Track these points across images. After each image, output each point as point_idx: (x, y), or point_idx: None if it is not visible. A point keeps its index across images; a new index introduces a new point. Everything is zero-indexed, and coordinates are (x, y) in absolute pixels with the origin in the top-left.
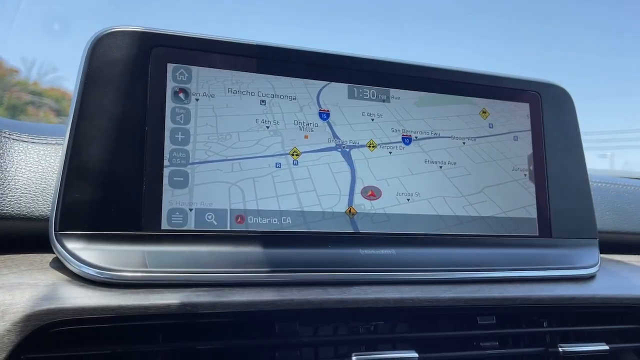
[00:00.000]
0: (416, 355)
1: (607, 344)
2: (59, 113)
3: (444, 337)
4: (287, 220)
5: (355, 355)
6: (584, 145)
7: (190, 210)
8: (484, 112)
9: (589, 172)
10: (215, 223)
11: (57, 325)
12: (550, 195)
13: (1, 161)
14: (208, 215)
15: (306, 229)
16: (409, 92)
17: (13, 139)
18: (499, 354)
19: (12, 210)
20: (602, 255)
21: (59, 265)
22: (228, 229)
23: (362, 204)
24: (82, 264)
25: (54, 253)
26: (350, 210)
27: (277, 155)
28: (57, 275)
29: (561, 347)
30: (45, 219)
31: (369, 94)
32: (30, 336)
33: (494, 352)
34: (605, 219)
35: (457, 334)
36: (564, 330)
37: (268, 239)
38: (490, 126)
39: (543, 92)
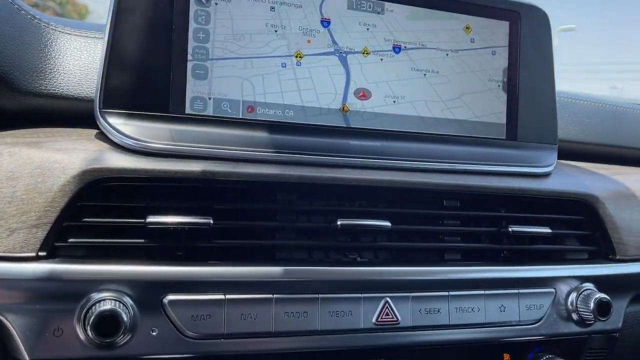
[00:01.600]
0: (389, 224)
1: (552, 229)
2: (62, 17)
3: (414, 214)
4: (290, 113)
5: (340, 221)
6: (596, 76)
7: (209, 99)
8: (467, 28)
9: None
10: (230, 111)
11: (105, 181)
12: (520, 104)
13: (50, 50)
14: (224, 104)
15: (305, 121)
16: (402, 6)
17: (59, 32)
18: (460, 231)
19: (62, 91)
20: (562, 161)
21: (102, 137)
22: (240, 116)
23: (354, 103)
24: (122, 136)
25: (97, 129)
26: (343, 108)
27: (283, 57)
28: (102, 145)
29: (511, 227)
30: (89, 100)
31: (366, 5)
32: (85, 188)
33: (456, 229)
34: (569, 130)
35: (426, 212)
36: (516, 216)
37: (273, 127)
38: (472, 41)
39: (523, 12)
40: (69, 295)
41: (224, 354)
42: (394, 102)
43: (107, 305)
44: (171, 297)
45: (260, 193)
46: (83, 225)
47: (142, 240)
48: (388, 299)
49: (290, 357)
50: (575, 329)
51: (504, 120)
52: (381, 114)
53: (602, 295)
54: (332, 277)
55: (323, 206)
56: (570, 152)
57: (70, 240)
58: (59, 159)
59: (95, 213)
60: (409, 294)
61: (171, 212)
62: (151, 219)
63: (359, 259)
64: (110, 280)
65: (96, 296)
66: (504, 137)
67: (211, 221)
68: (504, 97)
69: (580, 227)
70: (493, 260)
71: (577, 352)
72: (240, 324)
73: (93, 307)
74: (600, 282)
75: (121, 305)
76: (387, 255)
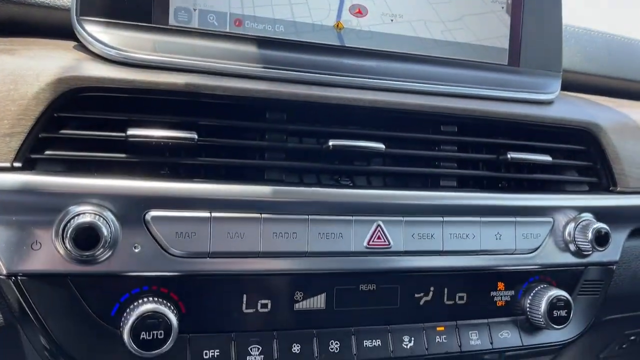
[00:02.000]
0: (383, 147)
1: (552, 158)
2: None
3: (409, 138)
4: (280, 28)
5: (332, 141)
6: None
7: (194, 10)
8: None
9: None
10: (216, 24)
11: (83, 90)
12: (524, 28)
13: None
14: (210, 16)
15: (297, 37)
16: None
17: None
18: (457, 157)
19: None
20: (565, 92)
21: (81, 48)
22: (227, 30)
23: (349, 20)
24: (101, 45)
25: (77, 41)
26: (338, 25)
27: None
28: (80, 54)
29: (510, 154)
30: (66, 9)
31: None
32: (61, 97)
33: (453, 155)
34: (574, 60)
35: (422, 136)
36: (515, 143)
37: (263, 42)
38: None
39: None
40: (46, 208)
41: (209, 273)
42: (391, 20)
43: (86, 218)
44: (154, 213)
45: (249, 110)
46: (61, 137)
47: (123, 155)
48: (380, 223)
49: (279, 280)
50: (571, 259)
51: (506, 45)
52: (377, 33)
53: (601, 224)
54: (322, 199)
55: (315, 126)
56: (575, 84)
57: (47, 152)
58: (33, 65)
59: (74, 126)
60: (401, 218)
61: (153, 126)
62: (132, 132)
63: (351, 184)
64: (90, 194)
65: (75, 209)
66: (506, 63)
67: (196, 136)
68: (507, 20)
69: (582, 157)
70: (491, 189)
71: (573, 283)
72: (226, 242)
73: (72, 220)
74: (600, 214)
75: (101, 219)
76: (380, 181)
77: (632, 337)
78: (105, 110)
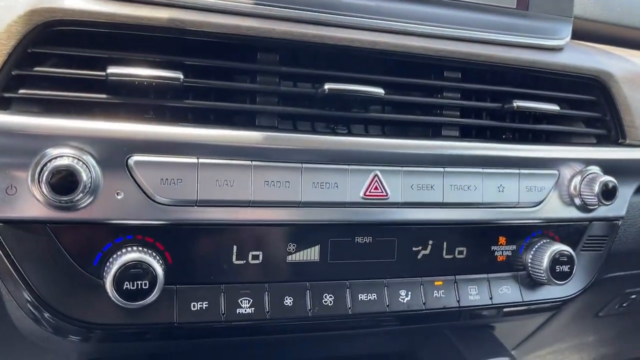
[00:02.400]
0: (382, 92)
1: (560, 108)
2: None
3: (410, 84)
4: None
5: (327, 85)
6: None
7: None
8: None
9: None
10: None
11: (59, 24)
12: None
13: None
14: None
15: None
16: None
17: None
18: (460, 105)
19: None
20: (575, 41)
21: None
22: None
23: None
24: None
25: None
26: None
27: None
28: None
29: (516, 102)
30: None
31: None
32: (35, 31)
33: (456, 103)
34: (586, 7)
35: (424, 81)
36: (522, 91)
37: None
38: None
39: None
40: (21, 150)
41: (197, 222)
42: None
43: (63, 161)
44: (138, 157)
45: (239, 50)
46: (36, 75)
47: (104, 96)
48: (378, 172)
49: (271, 231)
50: (576, 214)
51: None
52: None
53: (609, 178)
54: (317, 146)
55: (309, 69)
56: (587, 33)
57: (22, 91)
58: None
59: (50, 64)
60: (400, 168)
61: (135, 64)
62: (113, 70)
63: (348, 132)
64: (69, 137)
65: (52, 152)
66: (514, 6)
67: (181, 77)
68: None
69: (591, 108)
70: (494, 139)
71: (576, 239)
72: (214, 190)
73: (48, 163)
74: (607, 167)
75: (80, 163)
76: (378, 130)
77: (633, 296)
78: (84, 47)
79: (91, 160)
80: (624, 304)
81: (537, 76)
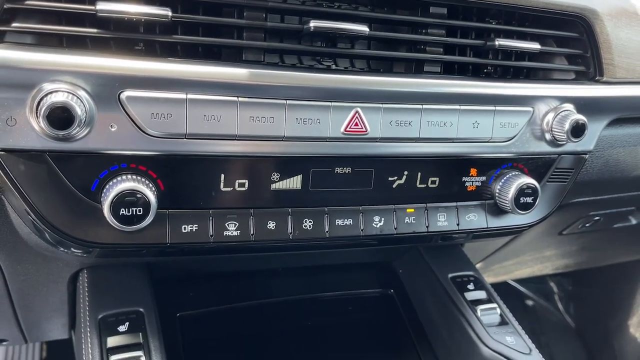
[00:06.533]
0: (367, 29)
1: (541, 46)
2: None
3: (396, 20)
4: None
5: (312, 22)
6: None
7: None
8: None
9: None
10: None
11: None
12: None
13: None
14: None
15: None
16: None
17: None
18: (443, 42)
19: None
20: None
21: None
22: None
23: None
24: None
25: None
26: None
27: None
28: None
29: (498, 41)
30: None
31: None
32: None
33: (440, 40)
34: None
35: (409, 18)
36: (505, 28)
37: None
38: None
39: None
40: (18, 84)
41: (186, 154)
42: None
43: (59, 97)
44: (129, 92)
45: None
46: (29, 9)
47: (95, 30)
48: (358, 109)
49: (256, 162)
50: (546, 148)
51: None
52: None
53: (579, 116)
54: (301, 83)
55: (296, 4)
56: None
57: (15, 24)
58: None
59: None
60: (380, 105)
61: (124, 0)
62: (102, 6)
63: (333, 66)
64: (63, 72)
65: (48, 87)
66: None
67: (169, 13)
68: None
69: (572, 45)
70: (474, 77)
71: (544, 171)
72: (202, 125)
73: (45, 98)
74: (581, 104)
75: (75, 98)
76: (364, 64)
77: (597, 218)
78: None
79: (85, 95)
80: (587, 224)
81: (522, 14)
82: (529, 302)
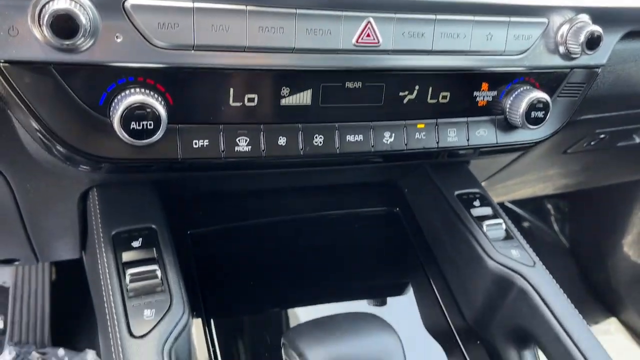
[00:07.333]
0: None
1: None
2: None
3: None
4: None
5: None
6: None
7: None
8: None
9: None
10: None
11: None
12: None
13: None
14: None
15: None
16: None
17: None
18: None
19: None
20: None
21: None
22: None
23: None
24: None
25: None
26: None
27: None
28: None
29: None
30: None
31: None
32: None
33: None
34: None
35: None
36: None
37: None
38: None
39: None
40: None
41: (195, 66)
42: None
43: (61, 4)
44: (134, 1)
45: None
46: None
47: None
48: (371, 19)
49: (265, 75)
50: (559, 62)
51: None
52: None
53: (595, 27)
54: None
55: None
56: None
57: None
58: None
59: None
60: (393, 15)
61: None
62: None
63: None
64: None
65: None
66: None
67: None
68: None
69: None
70: None
71: (555, 85)
72: (211, 35)
73: (47, 5)
74: (597, 15)
75: (78, 5)
76: None
77: (602, 136)
78: None
79: (88, 3)
80: (592, 142)
81: None
82: (525, 224)
